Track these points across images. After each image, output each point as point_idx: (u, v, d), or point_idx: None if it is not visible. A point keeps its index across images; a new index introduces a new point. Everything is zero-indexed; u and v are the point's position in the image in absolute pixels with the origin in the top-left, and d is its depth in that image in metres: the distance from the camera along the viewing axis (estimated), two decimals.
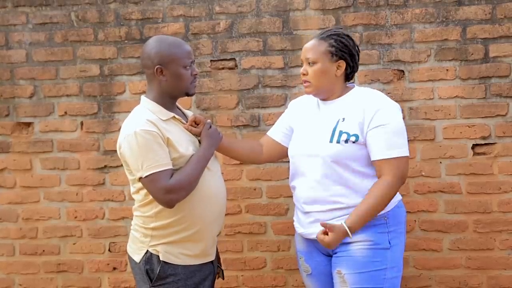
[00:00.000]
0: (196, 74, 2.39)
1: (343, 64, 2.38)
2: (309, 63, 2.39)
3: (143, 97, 2.40)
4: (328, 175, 2.34)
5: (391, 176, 2.30)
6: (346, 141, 2.32)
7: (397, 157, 2.30)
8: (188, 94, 2.40)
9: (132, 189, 2.36)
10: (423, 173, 3.05)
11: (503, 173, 3.00)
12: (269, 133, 2.67)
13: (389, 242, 2.33)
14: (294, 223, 2.53)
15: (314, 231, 2.37)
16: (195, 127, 2.39)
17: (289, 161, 3.19)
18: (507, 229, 3.00)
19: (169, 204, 2.23)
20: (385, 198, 2.30)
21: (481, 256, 3.02)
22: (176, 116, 2.36)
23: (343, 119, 2.35)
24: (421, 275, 3.06)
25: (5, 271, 3.37)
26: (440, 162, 3.04)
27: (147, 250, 2.30)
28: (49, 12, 3.32)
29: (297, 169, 2.46)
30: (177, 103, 2.47)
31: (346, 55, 2.38)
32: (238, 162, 3.16)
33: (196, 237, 2.32)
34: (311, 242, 2.45)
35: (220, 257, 2.61)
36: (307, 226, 2.43)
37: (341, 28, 2.50)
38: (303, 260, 2.52)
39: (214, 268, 2.44)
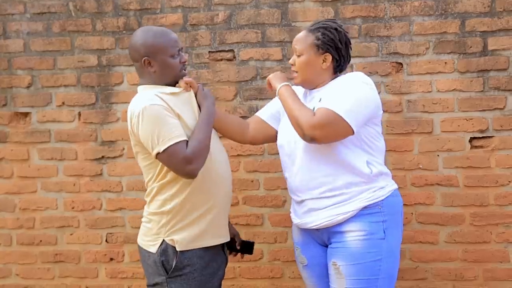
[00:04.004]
0: (184, 62, 2.39)
1: (329, 57, 2.40)
2: (297, 55, 2.43)
3: (139, 86, 2.40)
4: (311, 159, 2.35)
5: (316, 118, 2.24)
6: None
7: (334, 112, 2.23)
8: (178, 83, 2.40)
9: (149, 176, 2.33)
10: (421, 166, 3.05)
11: (500, 167, 3.01)
12: (257, 113, 2.68)
13: (384, 232, 2.31)
14: (291, 215, 2.54)
15: (309, 220, 2.40)
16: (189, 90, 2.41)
17: None
18: (503, 222, 3.01)
19: (191, 174, 2.23)
20: (296, 114, 2.28)
21: (478, 249, 3.03)
22: (177, 90, 2.37)
23: (320, 99, 2.36)
24: (417, 268, 3.07)
25: (2, 261, 3.37)
26: (438, 155, 3.04)
27: (163, 241, 2.29)
28: (47, 1, 3.30)
29: (286, 158, 2.47)
30: None
31: (331, 49, 2.39)
32: (236, 153, 3.16)
33: (210, 212, 2.31)
34: (308, 233, 2.47)
35: (238, 232, 2.64)
36: (302, 216, 2.44)
37: (333, 21, 2.48)
38: (299, 252, 2.53)
39: (226, 258, 2.46)
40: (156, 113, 2.20)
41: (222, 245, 2.44)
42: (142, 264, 2.41)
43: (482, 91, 3.01)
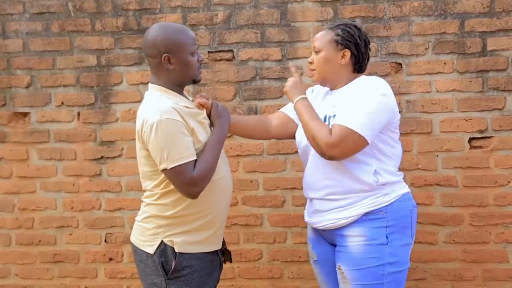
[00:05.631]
0: (201, 60, 2.33)
1: (347, 53, 2.39)
2: (316, 51, 2.42)
3: (152, 85, 2.31)
4: (319, 159, 2.35)
5: (333, 137, 2.23)
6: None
7: (350, 129, 2.23)
8: (195, 81, 2.35)
9: (152, 182, 2.28)
10: (420, 166, 3.05)
11: (499, 167, 3.01)
12: (282, 109, 2.66)
13: (387, 237, 2.30)
14: (305, 211, 2.55)
15: (316, 221, 2.42)
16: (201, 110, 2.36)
17: (285, 153, 3.20)
18: (502, 222, 3.02)
19: (193, 196, 2.20)
20: (313, 133, 2.26)
21: (477, 249, 3.04)
22: (197, 111, 2.32)
23: (334, 106, 2.36)
24: (416, 268, 3.07)
25: (1, 261, 3.37)
26: (437, 155, 3.05)
27: (162, 241, 2.26)
28: (46, 1, 3.30)
29: (301, 157, 2.50)
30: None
31: (350, 44, 2.39)
32: (235, 153, 3.16)
33: (210, 224, 2.30)
34: (317, 231, 2.48)
35: (225, 240, 2.60)
36: (311, 215, 2.46)
37: (353, 21, 2.49)
38: (310, 247, 2.55)
39: (220, 260, 2.43)
40: (171, 129, 2.15)
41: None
42: (136, 262, 2.37)
43: (481, 91, 3.01)
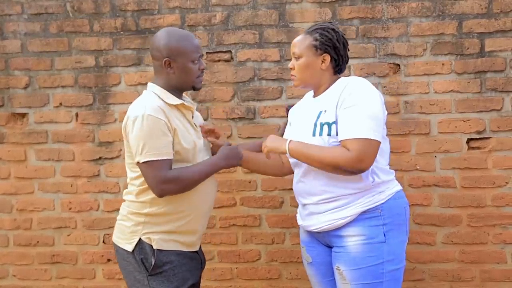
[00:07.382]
0: (203, 69, 2.41)
1: (327, 57, 2.41)
2: (295, 57, 2.44)
3: (150, 83, 2.40)
4: (313, 168, 2.36)
5: (354, 152, 2.23)
6: (329, 134, 2.31)
7: (365, 138, 2.24)
8: (194, 88, 2.42)
9: (132, 174, 2.36)
10: (418, 167, 3.06)
11: (497, 168, 3.01)
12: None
13: (384, 235, 2.32)
14: (297, 215, 2.57)
15: (311, 223, 2.42)
16: (209, 136, 2.49)
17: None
18: (500, 223, 3.02)
19: (160, 194, 2.25)
20: (331, 160, 2.25)
21: (475, 250, 3.04)
22: (185, 103, 2.39)
23: (325, 111, 2.36)
24: (414, 269, 3.07)
25: None
26: (435, 156, 3.05)
27: (140, 239, 2.31)
28: (44, 2, 3.30)
29: (292, 164, 2.51)
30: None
31: (329, 49, 2.41)
32: None
33: (188, 228, 2.35)
34: (311, 234, 2.49)
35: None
36: (305, 219, 2.47)
37: (330, 22, 2.52)
38: (304, 250, 2.55)
39: (201, 259, 2.49)
40: (151, 125, 2.22)
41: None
42: (118, 261, 2.42)
43: (479, 92, 3.02)
